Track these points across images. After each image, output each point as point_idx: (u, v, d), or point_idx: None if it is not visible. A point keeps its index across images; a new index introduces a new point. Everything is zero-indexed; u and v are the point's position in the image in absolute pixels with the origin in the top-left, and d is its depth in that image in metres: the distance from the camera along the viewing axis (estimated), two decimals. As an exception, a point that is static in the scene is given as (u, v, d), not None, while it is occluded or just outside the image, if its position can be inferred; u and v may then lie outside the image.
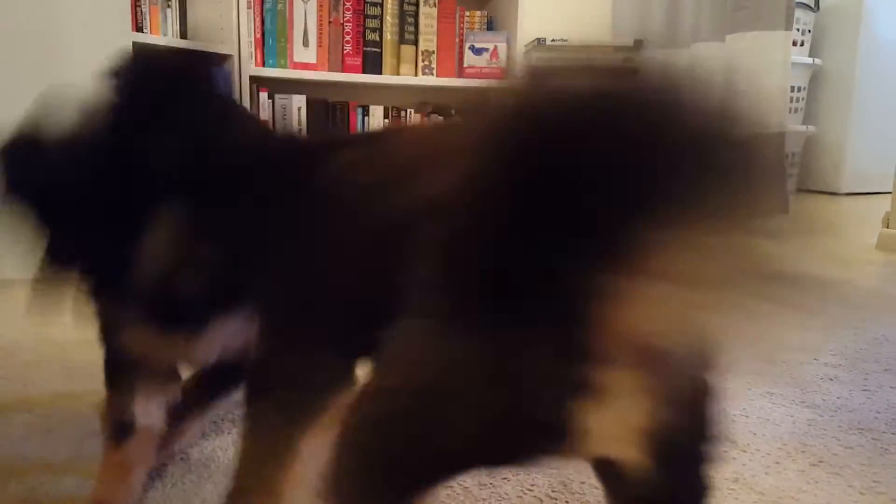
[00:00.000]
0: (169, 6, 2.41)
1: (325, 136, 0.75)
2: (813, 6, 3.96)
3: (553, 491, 0.79)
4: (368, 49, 2.71)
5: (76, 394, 1.03)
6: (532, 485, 0.80)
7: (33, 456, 0.85)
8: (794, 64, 3.68)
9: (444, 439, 0.40)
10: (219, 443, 0.89)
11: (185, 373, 0.88)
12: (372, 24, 2.70)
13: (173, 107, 0.66)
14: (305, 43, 2.63)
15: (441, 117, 2.80)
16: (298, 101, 2.64)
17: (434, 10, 2.75)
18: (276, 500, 0.59)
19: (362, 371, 0.54)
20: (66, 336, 1.29)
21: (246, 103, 2.52)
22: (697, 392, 0.42)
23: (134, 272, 0.65)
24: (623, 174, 0.35)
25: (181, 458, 0.84)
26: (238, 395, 0.90)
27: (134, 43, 1.72)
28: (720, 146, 0.35)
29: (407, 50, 2.74)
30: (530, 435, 0.39)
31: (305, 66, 2.64)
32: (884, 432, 0.92)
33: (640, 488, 0.42)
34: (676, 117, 0.36)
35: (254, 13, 2.54)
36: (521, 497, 0.78)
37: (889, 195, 2.26)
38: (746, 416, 0.97)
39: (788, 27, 2.47)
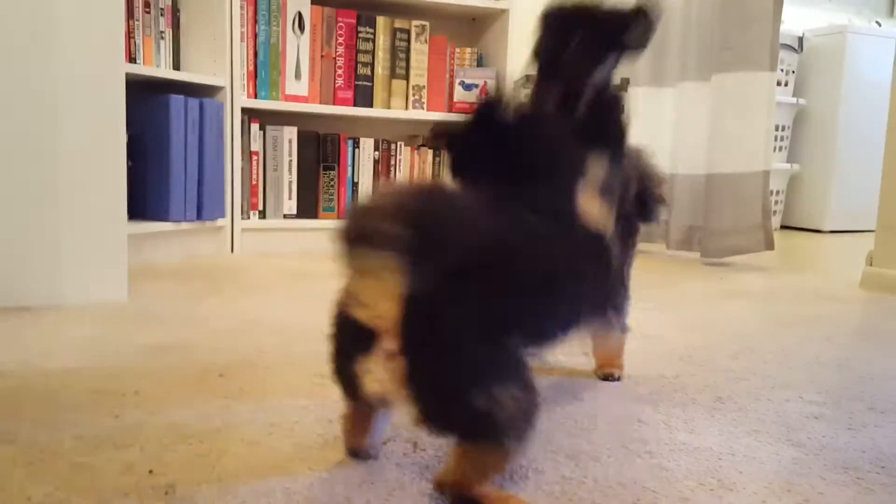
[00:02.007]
0: (162, 38, 2.43)
1: None
2: (797, 48, 4.05)
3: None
4: (360, 83, 2.74)
5: (60, 423, 1.02)
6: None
7: (15, 489, 0.84)
8: (778, 103, 3.75)
9: None
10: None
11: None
12: (364, 58, 2.73)
13: None
14: (298, 76, 2.66)
15: (430, 150, 2.83)
16: (289, 133, 2.66)
17: (425, 47, 2.79)
18: None
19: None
20: (50, 364, 1.28)
21: (237, 134, 2.53)
22: None
23: None
24: None
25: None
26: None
27: (127, 74, 1.73)
28: None
29: (398, 84, 2.78)
30: None
31: (297, 99, 2.66)
32: (868, 471, 0.93)
33: None
34: None
35: (247, 46, 2.57)
36: None
37: (872, 233, 2.29)
38: (732, 455, 0.98)
39: (773, 68, 2.52)
